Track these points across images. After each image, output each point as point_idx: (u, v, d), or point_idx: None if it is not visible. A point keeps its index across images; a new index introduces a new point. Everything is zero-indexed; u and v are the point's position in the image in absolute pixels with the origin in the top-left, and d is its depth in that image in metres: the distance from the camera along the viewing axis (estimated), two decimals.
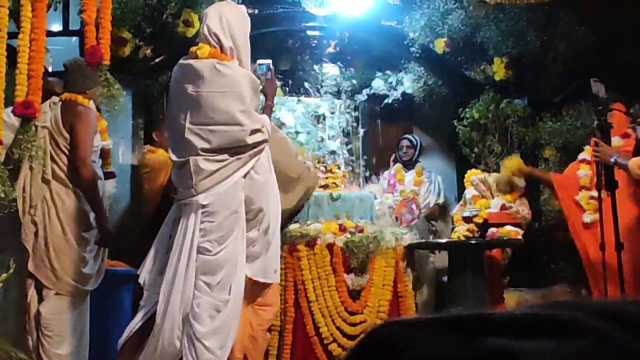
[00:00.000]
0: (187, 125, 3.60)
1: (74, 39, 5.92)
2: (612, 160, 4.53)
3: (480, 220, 5.56)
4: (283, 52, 7.40)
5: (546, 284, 6.21)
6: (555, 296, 5.90)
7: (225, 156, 3.59)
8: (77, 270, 4.33)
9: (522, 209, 5.72)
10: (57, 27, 6.01)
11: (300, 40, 7.36)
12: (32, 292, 4.28)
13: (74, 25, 5.83)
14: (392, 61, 7.45)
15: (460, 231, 5.58)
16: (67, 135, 4.35)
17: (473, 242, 5.42)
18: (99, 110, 4.75)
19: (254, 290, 3.80)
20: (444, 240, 5.61)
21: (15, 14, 3.93)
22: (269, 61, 4.07)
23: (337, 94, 7.61)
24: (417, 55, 6.93)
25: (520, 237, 5.52)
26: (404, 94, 7.42)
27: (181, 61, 3.74)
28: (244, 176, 3.62)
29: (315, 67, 7.49)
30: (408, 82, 7.35)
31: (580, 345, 0.52)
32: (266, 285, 3.88)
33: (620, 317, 0.55)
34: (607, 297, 4.92)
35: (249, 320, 3.98)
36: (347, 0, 6.62)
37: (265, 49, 7.29)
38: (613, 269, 4.48)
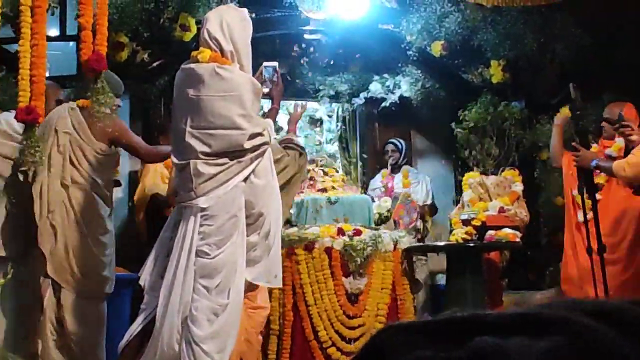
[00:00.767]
0: (188, 129, 3.61)
1: (71, 43, 5.92)
2: (593, 164, 4.59)
3: (479, 223, 5.55)
4: (280, 56, 7.39)
5: (545, 286, 6.22)
6: (553, 298, 5.90)
7: (226, 160, 3.59)
8: (97, 273, 4.39)
9: (520, 211, 5.72)
10: (54, 32, 6.00)
11: (298, 44, 7.35)
12: (49, 296, 4.31)
13: (71, 30, 5.82)
14: (389, 64, 7.45)
15: (459, 234, 5.57)
16: (95, 142, 4.39)
17: (471, 245, 5.42)
18: None
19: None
20: (442, 243, 5.61)
21: (13, 19, 3.94)
22: (275, 63, 4.08)
23: (335, 98, 7.61)
24: (415, 58, 6.94)
25: (518, 239, 5.52)
26: (401, 97, 7.42)
27: (183, 65, 3.74)
28: (245, 180, 3.62)
29: (312, 70, 7.49)
30: (405, 86, 7.36)
31: (558, 340, 0.53)
32: (254, 288, 3.89)
33: (611, 315, 0.56)
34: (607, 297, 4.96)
35: (243, 324, 3.99)
36: (344, 4, 6.62)
37: (262, 52, 7.29)
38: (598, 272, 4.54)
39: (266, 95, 4.01)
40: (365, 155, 7.79)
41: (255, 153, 3.63)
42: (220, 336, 3.51)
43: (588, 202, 5.18)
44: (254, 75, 3.93)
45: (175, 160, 3.71)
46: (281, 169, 4.14)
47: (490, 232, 5.55)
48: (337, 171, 6.15)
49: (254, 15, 6.56)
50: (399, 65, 7.35)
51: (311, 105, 7.76)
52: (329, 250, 5.16)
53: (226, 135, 3.58)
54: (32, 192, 4.28)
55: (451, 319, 0.59)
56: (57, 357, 4.30)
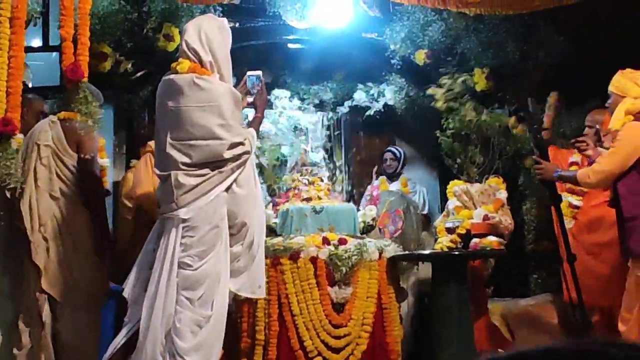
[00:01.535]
0: (168, 140, 3.61)
1: (55, 54, 5.90)
2: (556, 175, 4.62)
3: (463, 231, 5.57)
4: (264, 65, 7.39)
5: (529, 293, 6.24)
6: (538, 306, 5.93)
7: (207, 170, 3.58)
8: (91, 285, 4.38)
9: (505, 219, 5.74)
10: (37, 42, 5.99)
11: (282, 53, 7.36)
12: (46, 310, 4.29)
13: (54, 41, 5.81)
14: (373, 73, 7.48)
15: (444, 242, 5.57)
16: (73, 153, 4.38)
17: (456, 253, 5.42)
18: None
19: None
20: (427, 252, 5.61)
21: None
22: (259, 72, 4.07)
23: (320, 107, 7.62)
24: (399, 66, 6.96)
25: (503, 247, 5.53)
26: (385, 105, 7.45)
27: (164, 77, 3.74)
28: (227, 190, 3.61)
29: (297, 79, 7.50)
30: (390, 94, 7.38)
31: None
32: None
33: None
34: None
35: None
36: (328, 13, 6.63)
37: (246, 62, 7.29)
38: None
39: (250, 105, 4.01)
40: (349, 164, 7.80)
41: (237, 163, 3.63)
42: (204, 348, 3.49)
43: (569, 211, 5.28)
44: (238, 84, 3.93)
45: (157, 171, 3.71)
46: None
47: (475, 240, 5.57)
48: (322, 180, 6.14)
49: (237, 24, 6.61)
50: (383, 73, 7.37)
51: (296, 113, 7.77)
52: (314, 260, 5.14)
53: (206, 145, 3.57)
54: (21, 208, 4.27)
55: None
56: None
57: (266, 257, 5.08)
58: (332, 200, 5.88)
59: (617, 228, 4.46)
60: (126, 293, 3.70)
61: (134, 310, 3.64)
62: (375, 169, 7.46)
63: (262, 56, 7.30)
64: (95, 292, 4.44)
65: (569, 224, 5.20)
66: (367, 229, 5.90)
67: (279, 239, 5.29)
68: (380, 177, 7.13)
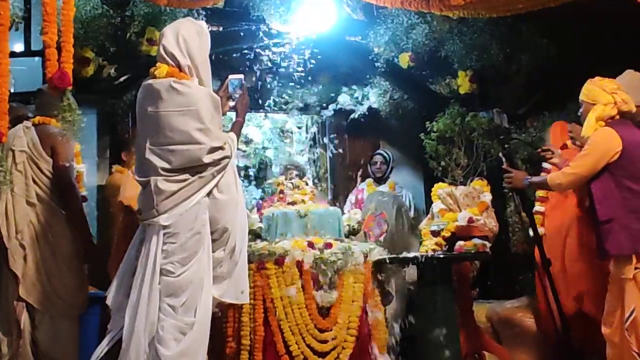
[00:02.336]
0: (148, 145, 3.59)
1: (37, 59, 5.87)
2: (527, 183, 4.79)
3: (448, 234, 5.57)
4: (248, 69, 7.40)
5: (515, 295, 6.25)
6: (523, 308, 5.94)
7: (187, 176, 3.56)
8: (70, 292, 4.34)
9: (490, 221, 5.74)
10: (19, 47, 5.96)
11: (266, 56, 7.36)
12: (25, 318, 4.25)
13: (36, 46, 5.79)
14: (357, 76, 7.49)
15: (429, 245, 5.58)
16: (48, 158, 4.35)
17: (441, 255, 5.43)
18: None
19: None
20: (411, 255, 5.61)
21: None
22: (241, 76, 4.05)
23: (304, 110, 7.62)
24: (383, 70, 6.98)
25: (487, 249, 5.54)
26: (370, 108, 7.46)
27: (143, 82, 3.72)
28: (208, 195, 3.59)
29: (281, 83, 7.50)
30: (374, 97, 7.40)
31: None
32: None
33: None
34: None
35: None
36: (312, 17, 6.63)
37: (230, 65, 7.29)
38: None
39: (232, 109, 3.99)
40: (334, 167, 7.80)
41: (217, 167, 3.60)
42: (188, 355, 3.47)
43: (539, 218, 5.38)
44: (220, 88, 3.92)
45: (137, 177, 3.68)
46: None
47: (460, 243, 5.57)
48: (307, 184, 6.14)
49: (221, 28, 6.61)
50: (367, 77, 7.39)
51: (280, 117, 7.78)
52: (299, 264, 5.14)
53: (185, 150, 3.55)
54: None
55: None
56: None
57: (251, 262, 5.08)
58: (317, 203, 5.88)
59: (593, 231, 4.56)
60: (109, 301, 3.67)
61: (117, 318, 3.62)
62: (359, 172, 7.46)
63: (246, 60, 7.30)
64: (75, 299, 4.41)
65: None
66: (352, 233, 5.90)
67: (264, 243, 5.28)
68: (367, 180, 7.11)
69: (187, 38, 3.69)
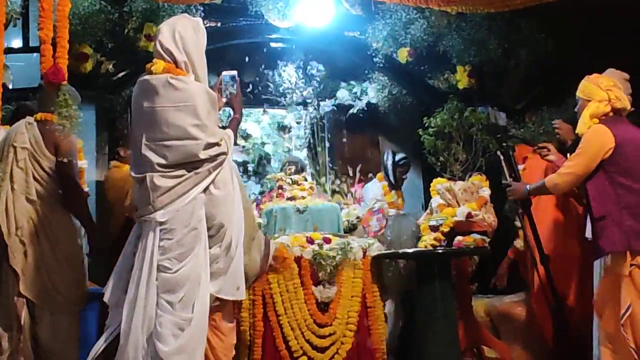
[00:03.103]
0: (144, 141, 3.58)
1: (35, 55, 5.86)
2: (526, 191, 4.91)
3: (447, 229, 5.56)
4: (247, 64, 7.40)
5: (514, 290, 6.25)
6: (522, 302, 5.95)
7: (183, 172, 3.55)
8: (70, 288, 4.34)
9: (488, 216, 5.74)
10: (17, 43, 5.96)
11: (264, 52, 7.35)
12: (25, 314, 4.26)
13: (34, 42, 5.79)
14: (356, 71, 7.49)
15: (427, 240, 5.58)
16: (50, 155, 4.34)
17: (440, 251, 5.44)
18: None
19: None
20: (410, 250, 5.61)
21: None
22: (234, 72, 4.02)
23: (303, 105, 7.62)
24: (381, 65, 6.98)
25: (486, 244, 5.55)
26: (368, 103, 7.46)
27: (139, 78, 3.71)
28: (204, 191, 3.59)
29: (280, 78, 7.49)
30: (372, 92, 7.40)
31: None
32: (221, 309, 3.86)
33: None
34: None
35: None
36: (310, 12, 6.63)
37: (229, 61, 7.28)
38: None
39: (226, 105, 3.98)
40: (333, 162, 7.80)
41: (213, 164, 3.60)
42: (186, 351, 3.46)
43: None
44: (213, 84, 3.91)
45: (133, 173, 3.68)
46: None
47: (459, 238, 5.57)
48: (306, 179, 6.14)
49: (219, 24, 6.61)
50: (366, 72, 7.39)
51: (279, 112, 7.77)
52: (298, 260, 5.15)
53: (181, 146, 3.54)
54: None
55: None
56: None
57: None
58: (316, 199, 5.88)
59: (590, 228, 4.58)
60: (106, 297, 3.67)
61: (115, 314, 3.61)
62: (359, 167, 7.46)
63: (245, 55, 7.30)
64: (75, 296, 4.41)
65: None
66: (351, 228, 5.91)
67: None
68: (383, 183, 7.00)
69: (183, 34, 3.69)
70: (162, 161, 3.54)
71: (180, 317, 3.46)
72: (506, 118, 5.88)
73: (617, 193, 4.37)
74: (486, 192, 5.82)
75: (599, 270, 4.46)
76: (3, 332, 4.25)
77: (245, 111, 7.38)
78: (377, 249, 5.44)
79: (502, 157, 4.99)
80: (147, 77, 3.65)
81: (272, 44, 7.25)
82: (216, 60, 7.09)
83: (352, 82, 7.53)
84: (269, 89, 7.52)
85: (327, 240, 5.27)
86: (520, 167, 5.54)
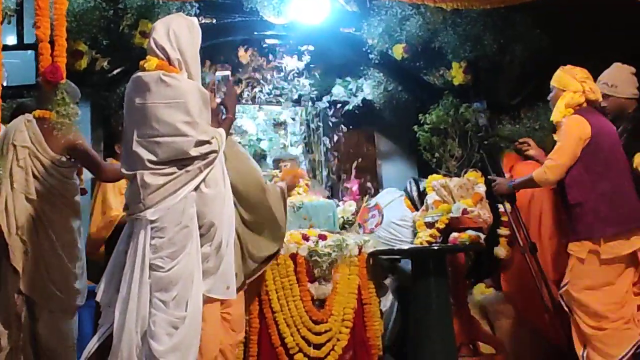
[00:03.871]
0: (135, 137, 3.58)
1: (30, 52, 5.86)
2: (511, 186, 5.05)
3: (442, 225, 5.58)
4: (242, 61, 7.38)
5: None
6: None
7: (174, 169, 3.55)
8: (70, 286, 4.35)
9: (484, 212, 5.75)
10: (11, 40, 5.94)
11: (259, 48, 7.34)
12: (24, 312, 4.26)
13: (28, 39, 5.76)
14: (351, 68, 7.48)
15: (423, 237, 5.60)
16: (51, 152, 4.34)
17: (435, 247, 5.45)
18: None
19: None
20: (406, 247, 5.63)
21: None
22: (228, 72, 4.05)
23: (298, 102, 7.61)
24: (376, 61, 6.96)
25: (482, 241, 5.56)
26: (364, 100, 7.45)
27: (133, 75, 3.72)
28: (195, 189, 3.59)
29: (275, 75, 7.49)
30: (368, 89, 7.38)
31: None
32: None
33: None
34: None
35: (218, 337, 3.99)
36: (305, 9, 6.62)
37: (224, 58, 7.28)
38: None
39: (220, 105, 3.99)
40: (329, 159, 7.79)
41: (205, 162, 3.60)
42: (180, 349, 3.47)
43: None
44: (206, 85, 3.91)
45: (124, 170, 3.68)
46: None
47: (454, 234, 5.59)
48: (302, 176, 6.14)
49: (214, 21, 6.59)
50: (361, 68, 7.37)
51: (275, 108, 7.76)
52: (294, 257, 5.16)
53: (171, 142, 3.54)
54: None
55: None
56: None
57: None
58: (312, 195, 5.88)
59: (562, 214, 4.85)
60: (99, 297, 3.67)
61: (108, 313, 3.62)
62: (355, 163, 7.46)
63: (240, 52, 7.29)
64: (74, 294, 4.42)
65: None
66: (347, 225, 5.92)
67: None
68: (415, 214, 6.70)
69: (177, 32, 3.69)
70: (153, 158, 3.54)
71: (174, 315, 3.47)
72: (487, 117, 6.02)
73: (593, 181, 4.55)
74: (481, 188, 5.84)
75: None
76: (2, 330, 4.26)
77: (240, 107, 7.39)
78: (372, 245, 5.45)
79: (485, 155, 5.06)
80: (140, 73, 3.66)
81: (267, 41, 7.23)
82: (211, 58, 7.12)
83: (348, 79, 7.52)
84: (265, 85, 7.50)
85: (323, 237, 5.29)
86: (507, 175, 5.61)
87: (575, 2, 6.28)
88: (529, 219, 5.51)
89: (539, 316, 5.38)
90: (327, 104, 7.59)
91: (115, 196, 5.39)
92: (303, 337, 5.06)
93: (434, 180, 5.97)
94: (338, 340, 5.14)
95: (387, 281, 5.97)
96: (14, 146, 4.34)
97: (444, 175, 6.15)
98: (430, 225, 5.64)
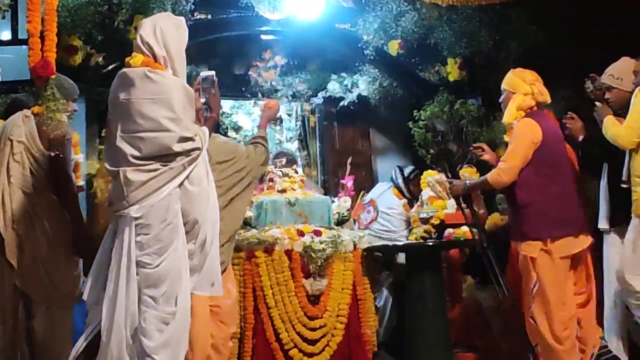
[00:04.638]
0: (119, 133, 3.57)
1: (24, 47, 5.82)
2: (466, 187, 5.04)
3: (437, 221, 5.59)
4: (237, 56, 7.38)
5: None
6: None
7: (157, 165, 3.55)
8: (65, 282, 4.33)
9: (479, 208, 5.76)
10: (6, 35, 5.92)
11: (255, 44, 7.34)
12: (20, 307, 4.25)
13: (23, 34, 5.73)
14: (347, 64, 7.49)
15: (418, 233, 5.60)
16: (43, 149, 4.32)
17: (430, 243, 5.45)
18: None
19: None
20: (401, 243, 5.63)
21: None
22: (212, 73, 4.09)
23: (294, 97, 7.62)
24: (372, 57, 6.97)
25: (476, 237, 5.56)
26: (359, 96, 7.46)
27: (119, 71, 3.72)
28: (179, 187, 3.60)
29: (270, 70, 7.48)
30: (363, 85, 7.39)
31: None
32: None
33: None
34: None
35: (208, 331, 4.00)
36: (301, 4, 6.62)
37: (219, 53, 7.28)
38: None
39: (204, 105, 4.01)
40: (324, 154, 7.81)
41: (188, 159, 3.60)
42: (171, 345, 3.47)
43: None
44: (191, 86, 3.92)
45: (108, 167, 3.68)
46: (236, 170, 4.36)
47: (449, 230, 5.60)
48: (297, 172, 6.14)
49: (210, 16, 6.58)
50: (357, 64, 7.38)
51: None
52: (289, 252, 5.15)
53: (155, 138, 3.53)
54: None
55: None
56: None
57: (241, 250, 5.10)
58: (307, 191, 5.88)
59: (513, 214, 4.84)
60: (85, 295, 3.67)
61: (95, 312, 3.61)
62: (350, 159, 7.46)
63: (235, 48, 7.29)
64: (70, 290, 4.41)
65: None
66: (342, 220, 5.92)
67: (254, 231, 5.29)
68: (403, 201, 6.55)
69: (164, 30, 3.70)
70: (136, 153, 3.54)
71: (165, 311, 3.47)
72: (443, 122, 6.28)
73: (542, 183, 4.63)
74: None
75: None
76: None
77: (236, 103, 7.39)
78: (367, 241, 5.46)
79: (440, 159, 5.13)
80: (125, 69, 3.66)
81: (263, 36, 7.23)
82: (206, 53, 7.12)
83: (343, 75, 7.52)
84: (260, 81, 7.50)
85: (318, 233, 5.29)
86: None
87: None
88: None
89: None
90: (323, 100, 7.59)
91: None
92: (298, 333, 5.06)
93: (429, 176, 5.97)
94: (333, 336, 5.14)
95: (382, 276, 5.98)
96: (11, 140, 4.32)
97: (439, 172, 6.15)
98: (425, 221, 5.64)
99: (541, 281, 4.57)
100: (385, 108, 7.45)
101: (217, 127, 6.08)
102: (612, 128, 4.62)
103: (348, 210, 5.97)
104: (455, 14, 6.74)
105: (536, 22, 6.70)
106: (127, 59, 3.68)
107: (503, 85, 4.95)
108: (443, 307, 5.42)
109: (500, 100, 4.99)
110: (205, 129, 3.75)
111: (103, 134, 5.26)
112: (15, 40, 5.84)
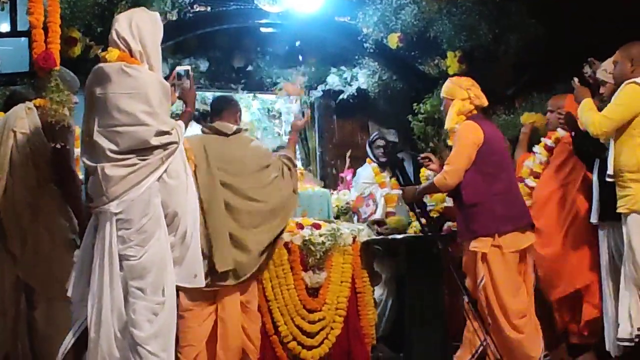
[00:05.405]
0: (96, 127, 3.60)
1: (23, 39, 5.81)
2: (417, 193, 5.14)
3: (436, 215, 5.60)
4: (237, 49, 7.37)
5: None
6: None
7: (135, 160, 3.57)
8: (67, 274, 4.33)
9: None
10: (5, 27, 5.90)
11: (254, 37, 7.33)
12: (22, 300, 4.26)
13: (22, 26, 5.72)
14: (346, 57, 7.48)
15: (417, 226, 5.61)
16: (46, 141, 4.32)
17: (429, 236, 5.45)
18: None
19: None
20: (400, 236, 5.64)
21: None
22: (188, 67, 4.12)
23: None
24: (371, 50, 6.96)
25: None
26: (358, 89, 7.46)
27: (95, 66, 3.73)
28: (158, 180, 3.62)
29: (270, 63, 7.48)
30: (363, 78, 7.39)
31: None
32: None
33: None
34: None
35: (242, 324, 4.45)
36: None
37: (218, 46, 7.27)
38: None
39: (179, 99, 4.04)
40: (323, 148, 7.81)
41: (165, 152, 3.63)
42: (162, 334, 3.53)
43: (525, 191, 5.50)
44: (166, 79, 3.93)
45: (85, 161, 3.69)
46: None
47: (448, 223, 5.60)
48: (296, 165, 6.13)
49: (209, 9, 6.57)
50: (356, 57, 7.38)
51: (269, 97, 7.76)
52: (287, 245, 5.15)
53: (132, 131, 3.57)
54: None
55: None
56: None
57: None
58: (306, 184, 5.88)
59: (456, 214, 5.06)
60: (69, 292, 3.69)
61: (81, 308, 3.63)
62: (349, 152, 7.46)
63: (234, 41, 7.28)
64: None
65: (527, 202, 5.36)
66: (341, 213, 5.92)
67: None
68: (373, 165, 6.84)
69: (140, 25, 3.73)
70: (114, 147, 3.57)
71: (154, 301, 3.52)
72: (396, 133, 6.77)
73: (487, 182, 4.80)
74: None
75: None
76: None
77: (235, 96, 7.38)
78: (366, 234, 5.45)
79: (399, 174, 5.32)
80: (101, 64, 3.69)
81: (262, 29, 7.22)
82: (206, 46, 7.11)
83: (343, 68, 7.52)
84: (259, 74, 7.50)
85: (317, 226, 5.28)
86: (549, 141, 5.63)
87: None
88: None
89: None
90: (322, 93, 7.59)
91: None
92: (297, 326, 5.06)
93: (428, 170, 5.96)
94: (332, 329, 5.15)
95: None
96: (14, 132, 4.32)
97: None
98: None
99: (493, 275, 4.74)
100: (384, 101, 7.45)
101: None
102: (587, 112, 4.65)
103: (347, 203, 5.98)
104: (455, 7, 6.72)
105: (536, 16, 6.69)
106: (102, 54, 3.71)
107: (442, 94, 5.16)
108: (441, 300, 5.44)
109: (441, 108, 5.21)
110: (182, 123, 3.81)
111: None
112: (14, 32, 5.82)
